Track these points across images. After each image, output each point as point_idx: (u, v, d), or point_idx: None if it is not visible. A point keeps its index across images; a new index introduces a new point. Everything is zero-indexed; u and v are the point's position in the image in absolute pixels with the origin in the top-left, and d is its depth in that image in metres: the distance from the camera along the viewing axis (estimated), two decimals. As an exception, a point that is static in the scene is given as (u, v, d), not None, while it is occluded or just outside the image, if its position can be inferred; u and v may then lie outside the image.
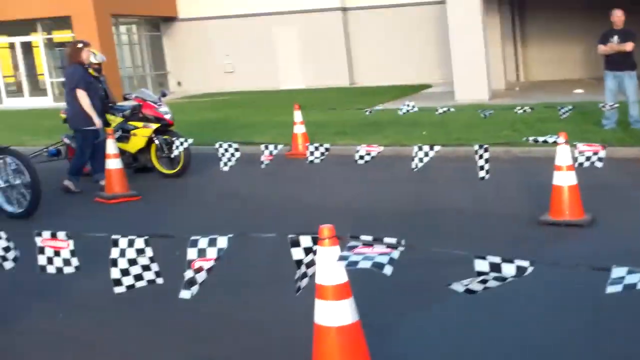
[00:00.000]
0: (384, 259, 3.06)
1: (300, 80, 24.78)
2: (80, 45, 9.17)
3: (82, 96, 9.00)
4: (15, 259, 4.15)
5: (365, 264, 3.06)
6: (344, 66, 24.46)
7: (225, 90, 25.06)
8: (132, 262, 3.68)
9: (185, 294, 3.40)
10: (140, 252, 3.66)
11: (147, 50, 26.91)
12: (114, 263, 3.68)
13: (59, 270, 3.91)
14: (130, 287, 3.71)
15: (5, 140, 8.50)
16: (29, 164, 7.90)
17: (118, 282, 3.72)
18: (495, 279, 2.90)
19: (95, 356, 4.31)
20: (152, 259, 3.68)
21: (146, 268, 3.70)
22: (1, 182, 7.93)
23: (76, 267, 3.89)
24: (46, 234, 3.89)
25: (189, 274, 3.42)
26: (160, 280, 3.70)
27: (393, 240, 3.26)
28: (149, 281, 3.71)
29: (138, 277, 3.70)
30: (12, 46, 26.33)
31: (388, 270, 3.02)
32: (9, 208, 8.02)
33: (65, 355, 4.32)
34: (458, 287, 2.99)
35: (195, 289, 3.40)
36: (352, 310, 3.39)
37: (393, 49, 23.91)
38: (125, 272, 3.69)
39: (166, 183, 9.66)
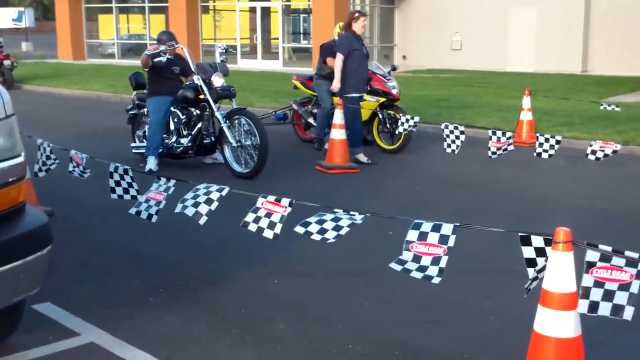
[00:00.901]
0: (624, 298, 2.91)
1: (528, 63, 23.86)
2: (356, 15, 9.30)
3: (337, 59, 9.18)
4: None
5: (605, 310, 2.94)
6: (579, 52, 23.15)
7: (449, 68, 24.74)
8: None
9: (395, 266, 3.33)
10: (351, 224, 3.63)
11: (378, 22, 27.15)
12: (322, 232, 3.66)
13: (260, 230, 3.88)
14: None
15: (236, 100, 8.89)
16: (261, 126, 8.19)
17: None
18: None
19: (326, 324, 4.39)
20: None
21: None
22: (233, 141, 8.33)
23: (275, 235, 3.85)
24: (271, 197, 3.96)
25: (406, 255, 3.35)
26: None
27: (635, 255, 3.00)
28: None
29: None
30: (252, 10, 27.74)
31: (628, 313, 2.85)
32: (236, 167, 8.42)
33: (282, 314, 4.45)
34: None
35: (412, 266, 3.31)
36: (576, 322, 3.18)
37: (634, 35, 22.25)
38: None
39: (385, 158, 9.68)
